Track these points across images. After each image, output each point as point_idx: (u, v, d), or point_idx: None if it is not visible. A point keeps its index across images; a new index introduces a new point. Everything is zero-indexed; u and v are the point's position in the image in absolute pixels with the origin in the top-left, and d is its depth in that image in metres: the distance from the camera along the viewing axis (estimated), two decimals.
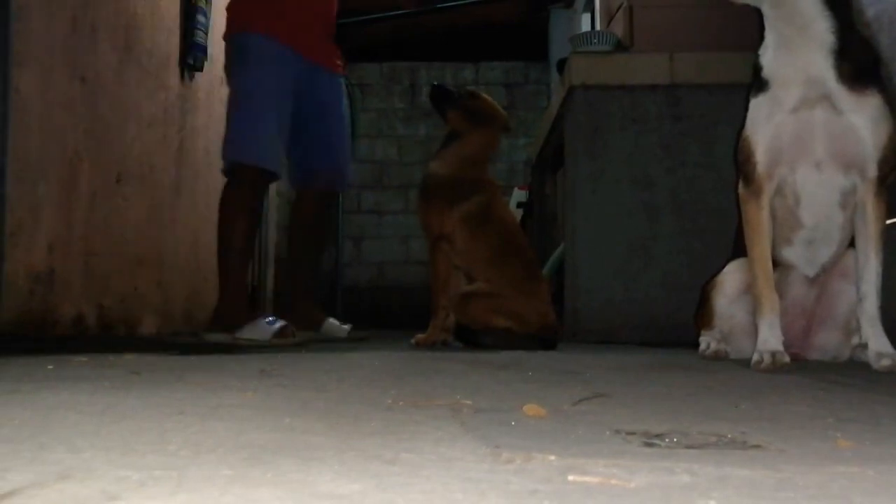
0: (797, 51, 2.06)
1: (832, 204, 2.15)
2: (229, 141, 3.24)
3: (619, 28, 4.21)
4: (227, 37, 3.38)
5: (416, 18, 7.50)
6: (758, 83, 2.14)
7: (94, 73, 3.39)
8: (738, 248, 2.30)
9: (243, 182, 3.22)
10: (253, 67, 3.25)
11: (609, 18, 4.57)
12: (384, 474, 0.70)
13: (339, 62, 3.58)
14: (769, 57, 2.12)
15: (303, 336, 3.26)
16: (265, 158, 3.22)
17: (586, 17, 5.99)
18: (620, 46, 4.07)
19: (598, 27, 5.05)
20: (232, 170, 3.25)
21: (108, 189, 3.54)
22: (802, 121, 2.07)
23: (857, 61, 2.05)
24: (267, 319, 3.20)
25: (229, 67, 3.37)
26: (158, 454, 0.77)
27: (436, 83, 3.59)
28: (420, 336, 3.11)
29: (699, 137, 3.89)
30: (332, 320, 3.56)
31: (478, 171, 3.24)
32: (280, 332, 3.12)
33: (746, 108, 2.17)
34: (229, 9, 3.41)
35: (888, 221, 2.15)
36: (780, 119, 2.09)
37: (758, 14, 2.14)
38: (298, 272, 3.62)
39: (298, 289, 3.58)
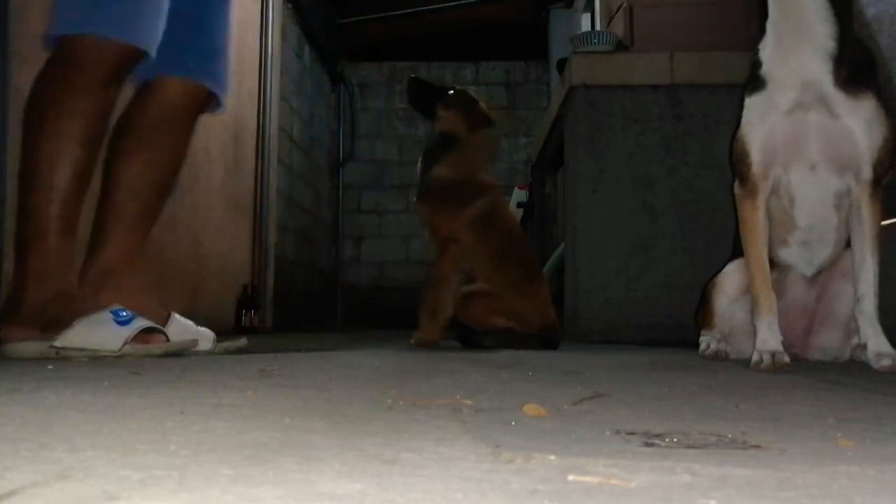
0: (794, 52, 2.05)
1: (826, 205, 2.15)
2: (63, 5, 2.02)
3: (619, 28, 4.21)
4: None
5: (417, 18, 7.50)
6: (754, 81, 2.13)
7: None
8: (739, 248, 2.29)
9: (86, 61, 2.00)
10: None
11: (609, 18, 4.58)
12: (385, 474, 0.70)
13: None
14: (768, 53, 2.11)
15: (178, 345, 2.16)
16: (131, 30, 2.03)
17: (586, 17, 6.00)
18: (621, 46, 4.07)
19: (598, 27, 5.06)
20: (62, 46, 2.00)
21: None
22: (797, 123, 2.07)
23: (853, 63, 2.04)
24: (116, 315, 2.01)
25: None
26: (159, 453, 0.77)
27: (413, 76, 3.49)
28: (420, 336, 3.11)
29: (700, 137, 3.90)
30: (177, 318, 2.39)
31: (481, 173, 3.25)
32: (138, 338, 2.01)
33: (741, 107, 2.17)
34: None
35: (885, 222, 2.15)
36: (774, 120, 2.08)
37: (760, 8, 2.13)
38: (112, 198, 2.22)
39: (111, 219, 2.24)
